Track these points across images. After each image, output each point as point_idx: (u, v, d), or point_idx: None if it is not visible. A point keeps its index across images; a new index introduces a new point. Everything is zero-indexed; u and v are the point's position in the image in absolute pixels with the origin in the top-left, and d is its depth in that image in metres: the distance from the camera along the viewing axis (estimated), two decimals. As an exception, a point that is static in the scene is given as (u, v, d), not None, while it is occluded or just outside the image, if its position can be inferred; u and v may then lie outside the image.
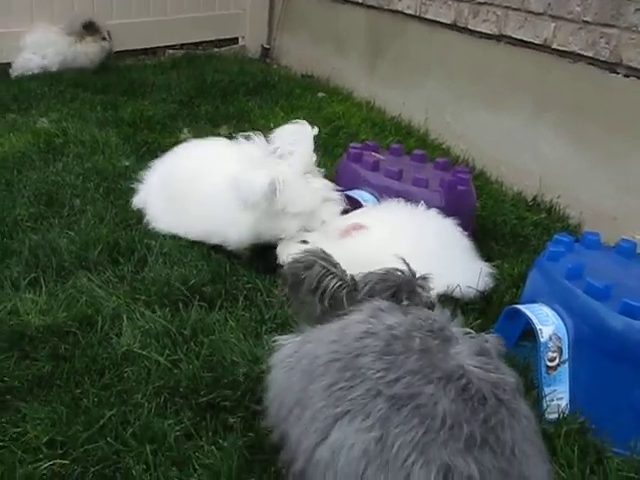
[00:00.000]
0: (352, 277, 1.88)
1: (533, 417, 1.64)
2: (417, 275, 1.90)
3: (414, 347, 1.57)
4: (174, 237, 3.14)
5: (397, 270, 1.89)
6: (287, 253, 2.80)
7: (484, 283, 2.85)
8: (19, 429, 2.04)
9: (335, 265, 1.89)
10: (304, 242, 2.84)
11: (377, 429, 1.49)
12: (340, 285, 1.84)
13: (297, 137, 2.93)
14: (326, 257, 1.90)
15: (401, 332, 1.61)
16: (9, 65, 5.54)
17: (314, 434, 1.59)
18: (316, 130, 2.98)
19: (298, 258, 1.92)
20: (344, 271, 1.88)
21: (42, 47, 5.52)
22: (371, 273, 1.89)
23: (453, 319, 1.77)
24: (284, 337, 1.92)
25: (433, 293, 2.20)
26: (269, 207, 2.82)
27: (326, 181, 2.99)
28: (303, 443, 1.62)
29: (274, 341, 1.94)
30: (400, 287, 1.84)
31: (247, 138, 3.09)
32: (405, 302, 1.82)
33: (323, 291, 1.84)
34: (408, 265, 1.91)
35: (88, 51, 5.67)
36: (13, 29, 5.51)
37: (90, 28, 5.64)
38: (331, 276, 1.85)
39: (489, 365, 1.59)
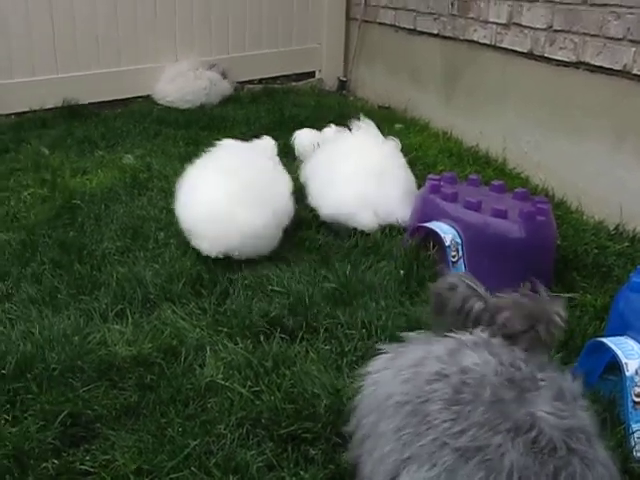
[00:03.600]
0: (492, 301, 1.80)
1: (611, 463, 1.55)
2: (552, 301, 1.79)
3: (484, 397, 1.52)
4: (255, 269, 3.20)
5: (528, 295, 1.78)
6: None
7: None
8: (108, 456, 2.11)
9: (479, 288, 1.83)
10: None
11: (443, 479, 1.47)
12: (484, 308, 1.78)
13: None
14: (471, 280, 1.85)
15: (474, 379, 1.56)
16: (149, 97, 6.09)
17: (382, 475, 1.59)
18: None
19: (443, 279, 1.89)
20: (487, 294, 1.81)
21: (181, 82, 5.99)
22: (505, 298, 1.79)
23: (546, 364, 1.66)
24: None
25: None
26: None
27: None
28: None
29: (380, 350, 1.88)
30: (537, 317, 1.72)
31: None
32: (543, 334, 1.70)
33: (467, 312, 1.78)
34: (542, 289, 1.81)
35: (220, 88, 6.12)
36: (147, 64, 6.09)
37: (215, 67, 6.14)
38: (476, 298, 1.79)
39: (564, 412, 1.52)
